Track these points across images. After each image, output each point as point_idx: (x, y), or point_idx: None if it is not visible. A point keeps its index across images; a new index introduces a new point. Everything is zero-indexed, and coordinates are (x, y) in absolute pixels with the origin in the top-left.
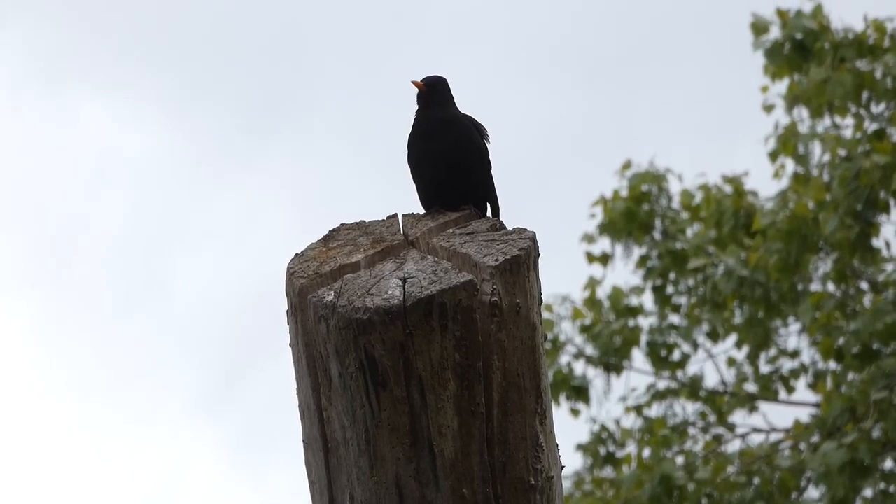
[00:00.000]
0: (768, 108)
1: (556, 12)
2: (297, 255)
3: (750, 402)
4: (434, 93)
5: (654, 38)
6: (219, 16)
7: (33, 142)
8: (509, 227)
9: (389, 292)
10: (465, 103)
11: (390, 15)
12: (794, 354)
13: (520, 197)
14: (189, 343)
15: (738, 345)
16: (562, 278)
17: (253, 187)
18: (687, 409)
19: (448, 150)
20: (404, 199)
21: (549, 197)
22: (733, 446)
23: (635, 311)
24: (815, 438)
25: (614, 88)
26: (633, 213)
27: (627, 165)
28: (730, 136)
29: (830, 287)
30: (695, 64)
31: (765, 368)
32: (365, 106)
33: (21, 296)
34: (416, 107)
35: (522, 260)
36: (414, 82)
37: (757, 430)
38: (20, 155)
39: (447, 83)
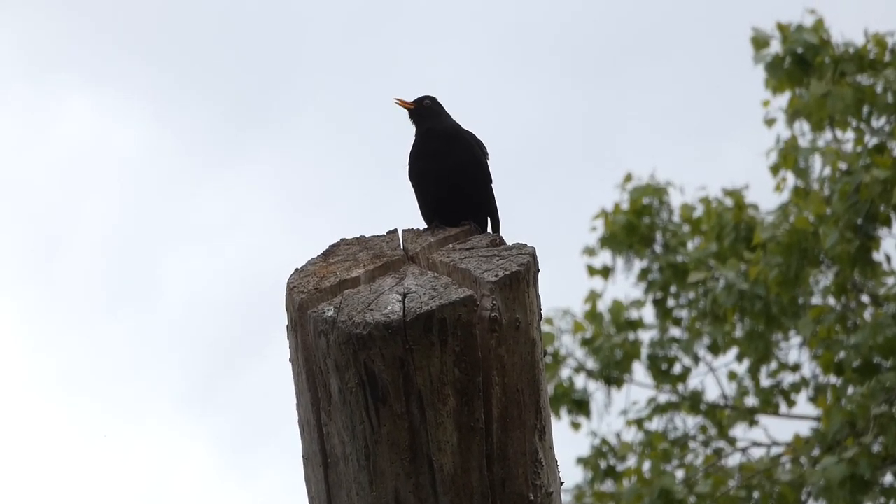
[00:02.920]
0: (769, 122)
1: (547, 18)
2: (297, 270)
3: (750, 416)
4: (427, 112)
5: (640, 41)
6: (207, 9)
7: (18, 134)
8: (510, 241)
9: (389, 307)
10: (458, 108)
11: (380, 9)
12: (795, 368)
13: (519, 207)
14: (178, 340)
15: (739, 358)
16: (562, 290)
17: (242, 181)
18: (687, 422)
19: (450, 168)
20: (393, 194)
21: (547, 207)
22: (734, 460)
23: (636, 325)
24: (815, 452)
25: (606, 94)
26: (635, 227)
27: (628, 178)
28: (719, 136)
29: (831, 301)
30: (680, 65)
31: (765, 382)
32: (354, 100)
33: (7, 292)
34: (407, 115)
35: (522, 275)
36: (400, 102)
37: (757, 444)
38: (5, 147)
39: (437, 101)
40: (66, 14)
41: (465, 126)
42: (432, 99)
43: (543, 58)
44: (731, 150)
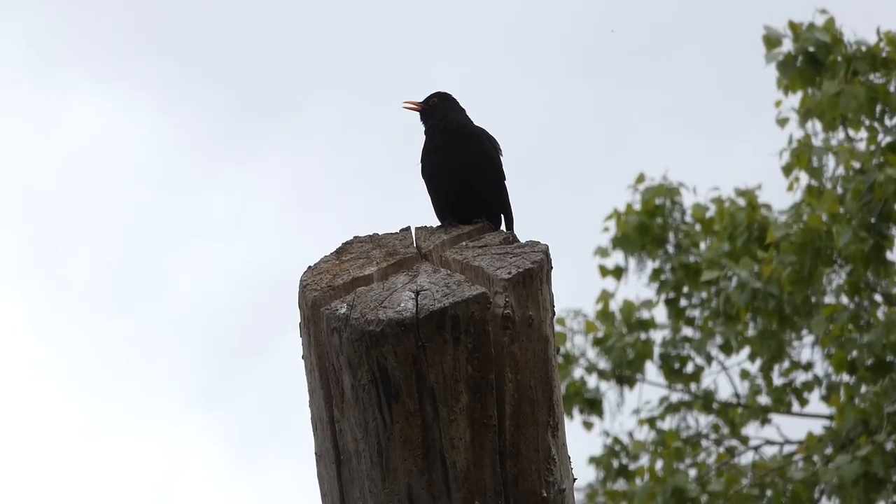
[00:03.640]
0: (782, 122)
1: (555, 15)
2: (309, 267)
3: (763, 415)
4: (437, 110)
5: (648, 37)
6: (214, 3)
7: (25, 132)
8: (523, 238)
9: (402, 305)
10: (467, 104)
11: (389, 2)
12: (808, 367)
13: (531, 205)
14: (187, 336)
15: (752, 357)
16: (574, 290)
17: (250, 177)
18: (700, 421)
19: (462, 164)
20: (404, 189)
21: (558, 204)
22: (746, 458)
23: (647, 325)
24: (828, 451)
25: (615, 91)
26: (647, 227)
27: (640, 179)
28: (730, 134)
29: (844, 299)
30: (690, 62)
31: (778, 381)
32: (363, 95)
33: (16, 288)
34: (419, 115)
35: (535, 273)
36: (407, 105)
37: (770, 443)
38: (11, 145)
39: (451, 97)
40: (71, 10)
41: (477, 123)
42: (442, 96)
43: (552, 54)
44: (742, 147)
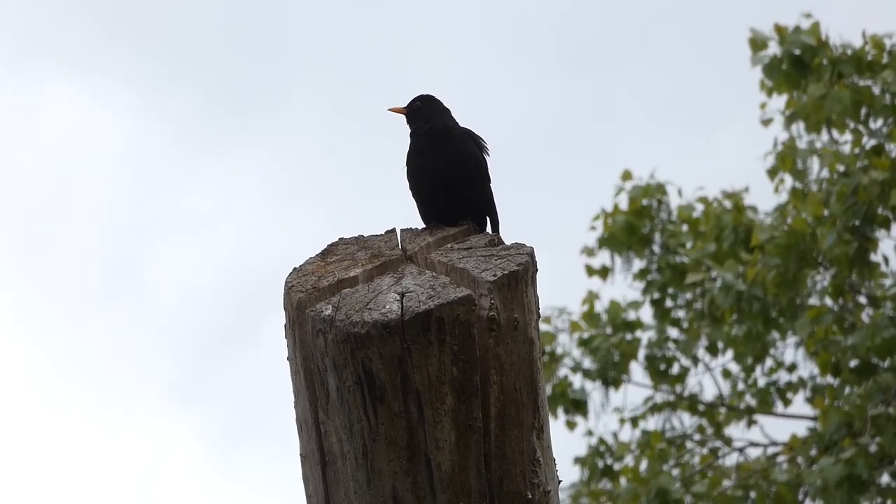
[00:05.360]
0: (766, 122)
1: (541, 8)
2: (295, 269)
3: (747, 416)
4: (421, 113)
5: (633, 30)
6: None
7: (2, 123)
8: (508, 240)
9: (387, 307)
10: (450, 99)
11: None
12: (791, 368)
13: (516, 205)
14: (168, 330)
15: (737, 359)
16: (560, 288)
17: (232, 169)
18: (685, 422)
19: (446, 165)
20: (386, 182)
21: (543, 200)
22: (731, 460)
23: (633, 326)
24: (812, 452)
25: (601, 84)
26: (634, 228)
27: (627, 176)
28: (717, 125)
29: (828, 302)
30: (676, 53)
31: (762, 381)
32: (344, 88)
33: None
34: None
35: (520, 275)
36: (392, 109)
37: (754, 444)
38: None
39: (435, 99)
40: (48, 1)
41: (463, 122)
42: (425, 99)
43: (537, 49)
44: (729, 138)
